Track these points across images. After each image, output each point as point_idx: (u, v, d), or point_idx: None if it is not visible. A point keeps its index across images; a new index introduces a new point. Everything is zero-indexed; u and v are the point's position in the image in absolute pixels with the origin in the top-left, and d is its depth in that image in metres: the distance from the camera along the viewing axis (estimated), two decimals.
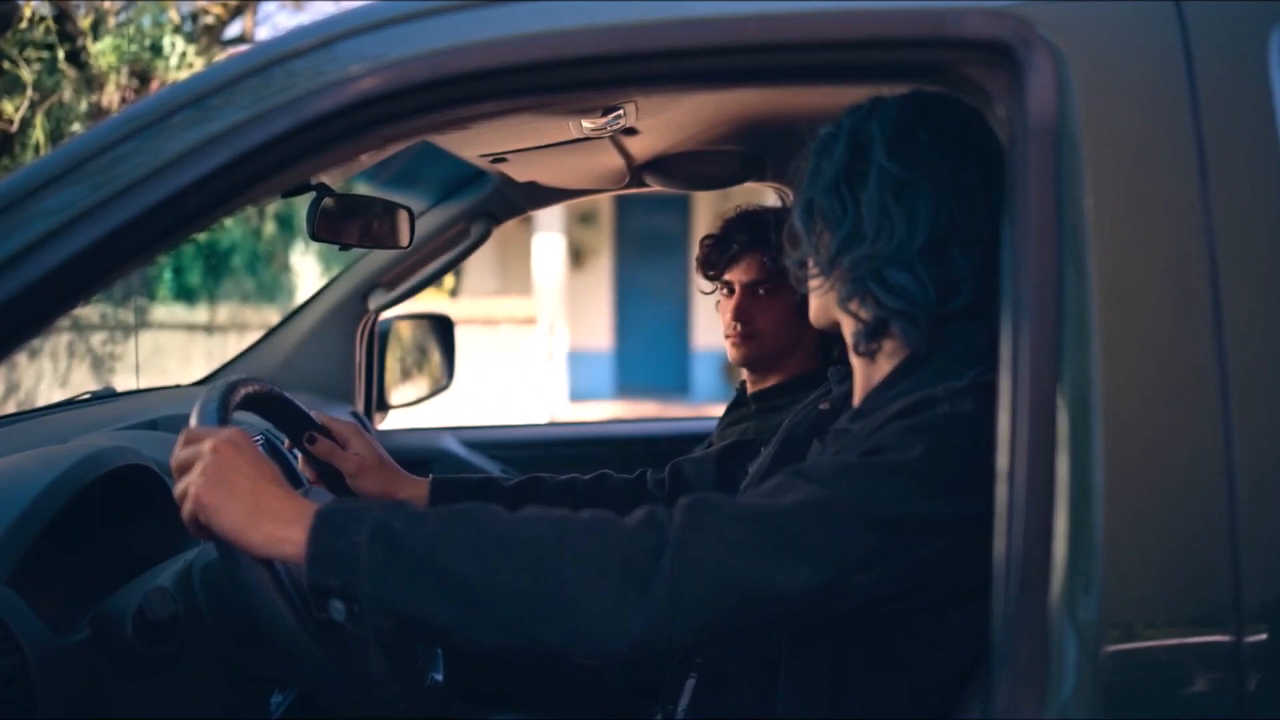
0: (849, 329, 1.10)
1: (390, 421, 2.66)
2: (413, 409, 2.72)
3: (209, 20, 6.34)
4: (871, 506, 0.93)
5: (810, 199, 1.07)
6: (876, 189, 1.02)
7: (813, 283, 1.11)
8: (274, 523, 0.94)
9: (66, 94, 5.43)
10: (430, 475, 1.43)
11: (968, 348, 1.04)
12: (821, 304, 1.13)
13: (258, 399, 1.21)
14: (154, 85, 5.70)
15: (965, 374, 1.02)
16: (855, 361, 1.14)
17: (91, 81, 5.57)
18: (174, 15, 5.81)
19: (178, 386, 2.38)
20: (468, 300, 10.60)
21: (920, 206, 1.01)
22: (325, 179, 1.65)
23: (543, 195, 2.29)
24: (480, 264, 11.43)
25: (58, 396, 4.78)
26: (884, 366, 1.10)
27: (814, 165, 1.08)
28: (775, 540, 0.92)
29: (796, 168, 1.12)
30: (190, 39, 6.00)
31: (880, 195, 1.02)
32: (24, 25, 4.97)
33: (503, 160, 1.92)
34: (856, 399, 1.14)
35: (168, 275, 8.24)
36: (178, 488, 0.97)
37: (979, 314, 1.03)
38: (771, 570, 0.91)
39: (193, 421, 1.07)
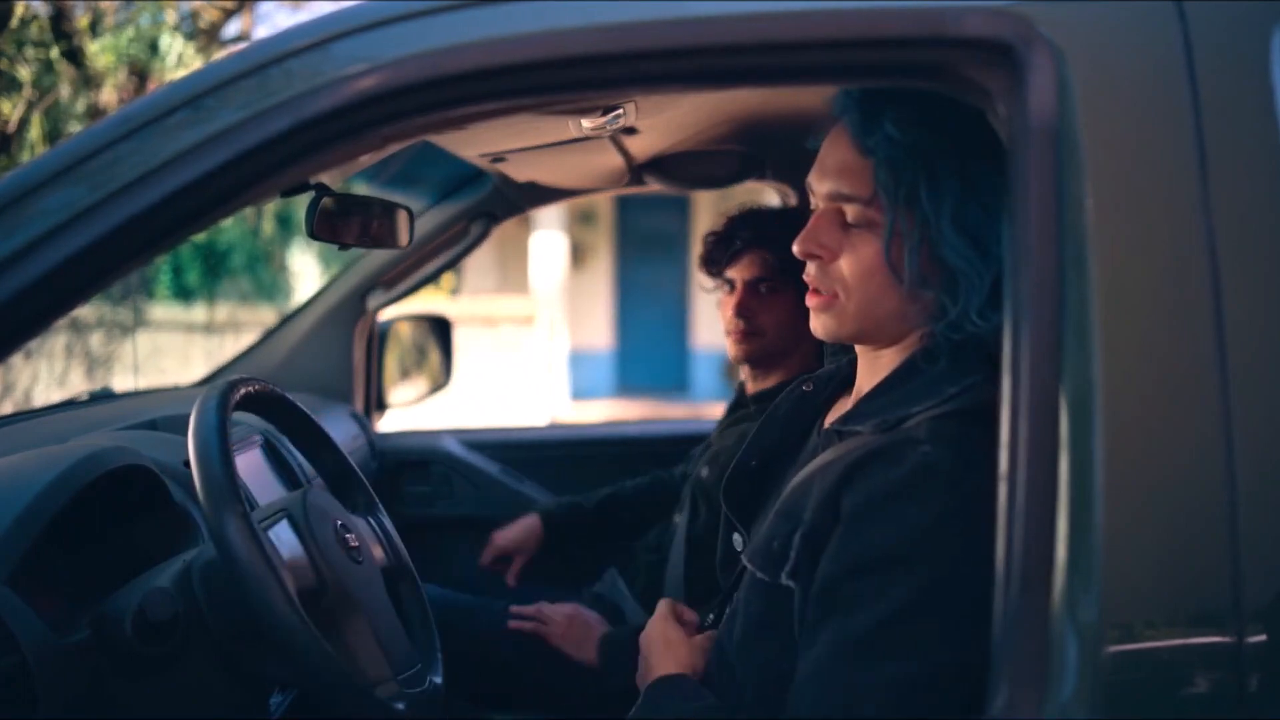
0: (921, 343, 1.06)
1: (390, 422, 2.66)
2: (412, 408, 2.72)
3: (202, 25, 6.33)
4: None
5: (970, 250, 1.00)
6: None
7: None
8: None
9: (64, 93, 5.43)
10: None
11: (969, 355, 1.03)
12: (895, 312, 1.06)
13: (258, 399, 1.21)
14: (152, 85, 5.70)
15: (960, 381, 1.01)
16: (861, 356, 1.13)
17: (89, 80, 5.56)
18: (170, 16, 5.80)
19: (177, 387, 2.38)
20: (468, 299, 10.59)
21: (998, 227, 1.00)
22: (324, 179, 1.64)
23: (542, 194, 2.29)
24: (481, 263, 11.43)
25: (56, 397, 4.77)
26: (886, 365, 1.09)
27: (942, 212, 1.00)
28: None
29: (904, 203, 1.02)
30: (189, 38, 5.99)
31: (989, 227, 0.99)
32: (15, 25, 4.96)
33: (502, 160, 1.92)
34: (854, 397, 1.14)
35: (166, 275, 8.23)
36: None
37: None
38: None
39: (192, 421, 1.07)
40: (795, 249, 1.07)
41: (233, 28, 6.90)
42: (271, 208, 8.15)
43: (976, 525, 0.91)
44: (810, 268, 1.08)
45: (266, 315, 8.65)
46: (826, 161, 1.07)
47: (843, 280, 1.05)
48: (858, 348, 1.13)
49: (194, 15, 6.32)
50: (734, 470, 1.23)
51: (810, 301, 1.09)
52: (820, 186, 1.07)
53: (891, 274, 1.02)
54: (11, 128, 5.14)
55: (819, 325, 1.09)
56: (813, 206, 1.09)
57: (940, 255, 1.01)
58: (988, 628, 0.88)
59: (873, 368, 1.11)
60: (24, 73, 5.11)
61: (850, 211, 1.04)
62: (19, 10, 4.96)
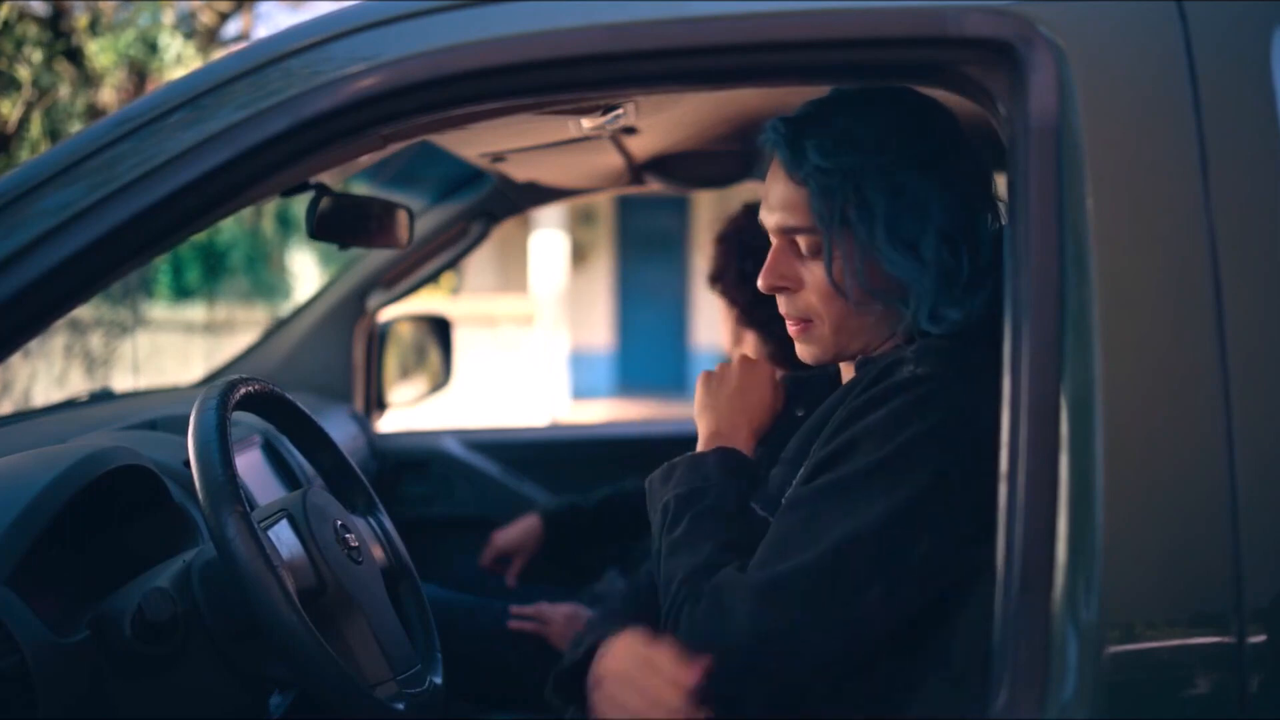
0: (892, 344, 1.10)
1: (390, 422, 2.66)
2: (411, 408, 2.72)
3: (199, 27, 6.32)
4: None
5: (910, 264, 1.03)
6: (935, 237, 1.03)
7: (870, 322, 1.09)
8: None
9: (64, 92, 5.42)
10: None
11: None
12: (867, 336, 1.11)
13: (258, 399, 1.21)
14: (151, 84, 5.69)
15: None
16: (845, 373, 1.16)
17: (89, 80, 5.56)
18: (168, 15, 5.79)
19: (177, 387, 2.38)
20: (468, 299, 10.59)
21: (981, 225, 1.04)
22: (324, 179, 1.64)
23: (542, 194, 2.29)
24: (481, 263, 11.43)
25: (56, 397, 4.77)
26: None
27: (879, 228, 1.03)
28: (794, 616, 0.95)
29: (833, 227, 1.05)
30: (188, 37, 5.99)
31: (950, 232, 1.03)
32: (3, 26, 4.95)
33: (502, 160, 1.92)
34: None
35: (166, 275, 8.23)
36: None
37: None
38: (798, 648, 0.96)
39: (192, 421, 1.07)
40: (760, 285, 1.11)
41: (233, 27, 6.90)
42: (271, 208, 8.15)
43: (961, 435, 0.95)
44: (780, 300, 1.11)
45: (266, 315, 8.65)
46: (769, 196, 1.11)
47: (812, 307, 1.09)
48: (841, 366, 1.16)
49: (192, 15, 6.32)
50: None
51: (791, 330, 1.13)
52: (769, 221, 1.11)
53: (836, 293, 1.06)
54: (11, 128, 5.14)
55: (804, 351, 1.13)
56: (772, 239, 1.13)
57: (883, 268, 1.04)
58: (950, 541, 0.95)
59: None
60: (24, 73, 5.10)
61: (801, 242, 1.08)
62: (4, 11, 4.95)
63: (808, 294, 1.09)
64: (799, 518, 0.98)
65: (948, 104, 1.09)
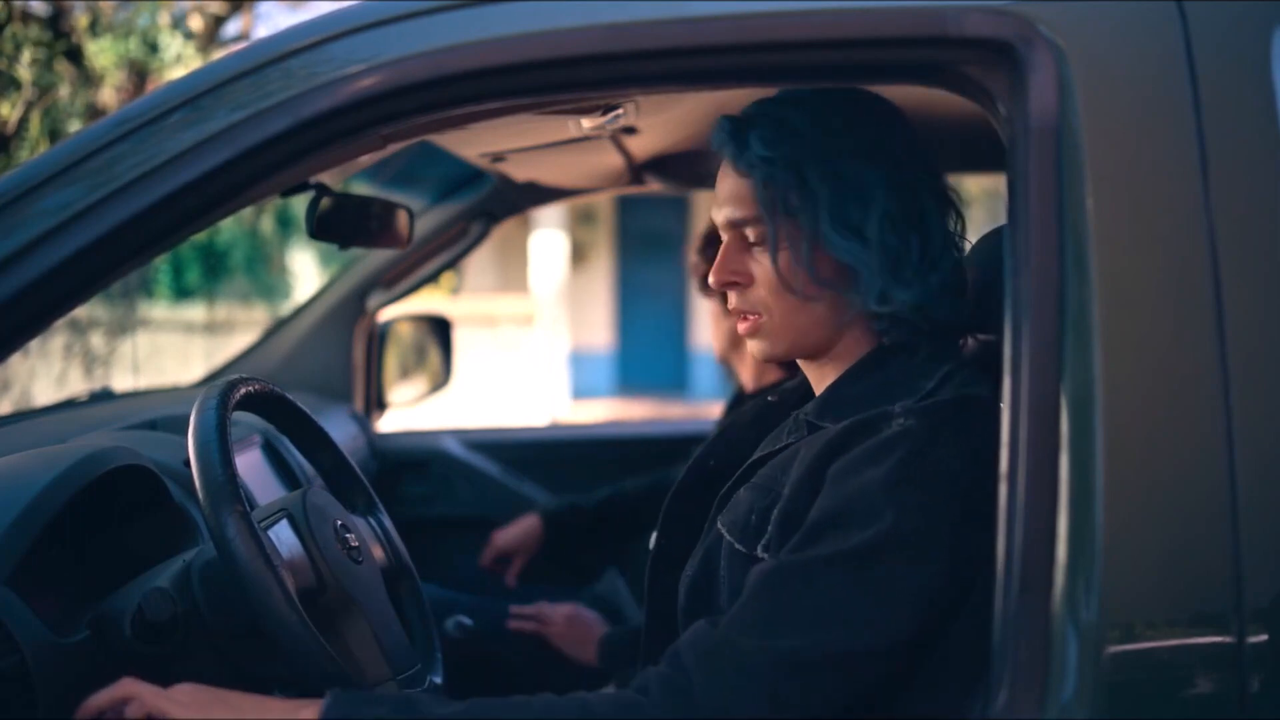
0: (871, 339, 1.09)
1: (390, 422, 2.66)
2: (411, 408, 2.72)
3: (195, 27, 6.32)
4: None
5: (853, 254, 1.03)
6: (882, 222, 1.03)
7: (830, 319, 1.08)
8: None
9: (64, 92, 5.42)
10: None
11: (936, 342, 1.06)
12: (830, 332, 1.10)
13: (258, 399, 1.21)
14: (151, 84, 5.69)
15: (933, 373, 1.03)
16: (807, 372, 1.15)
17: (89, 80, 5.56)
18: (164, 18, 5.79)
19: (177, 387, 2.38)
20: (468, 299, 10.59)
21: (929, 212, 1.04)
22: (324, 178, 1.64)
23: (542, 194, 2.29)
24: (481, 263, 11.43)
25: (56, 397, 4.76)
26: (835, 373, 1.11)
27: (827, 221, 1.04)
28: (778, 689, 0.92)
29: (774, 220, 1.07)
30: (188, 37, 5.98)
31: (895, 222, 1.03)
32: (4, 19, 4.95)
33: (502, 160, 1.92)
34: (818, 390, 1.14)
35: (166, 275, 8.23)
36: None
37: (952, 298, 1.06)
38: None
39: (192, 421, 1.07)
40: (711, 282, 1.11)
41: (233, 28, 6.90)
42: (271, 208, 8.14)
43: (942, 497, 0.93)
44: (732, 296, 1.12)
45: (266, 315, 8.65)
46: (718, 192, 1.11)
47: (762, 300, 1.09)
48: (801, 365, 1.15)
49: (190, 17, 6.32)
50: (691, 467, 1.24)
51: (741, 328, 1.12)
52: (718, 217, 1.11)
53: (783, 284, 1.06)
54: (11, 128, 5.13)
55: (755, 348, 1.12)
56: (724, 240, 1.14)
57: (830, 254, 1.04)
58: (936, 609, 0.92)
59: (822, 379, 1.13)
60: (24, 73, 5.10)
61: (750, 233, 1.09)
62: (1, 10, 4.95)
63: (758, 288, 1.08)
64: (807, 588, 0.95)
65: (906, 102, 1.10)
